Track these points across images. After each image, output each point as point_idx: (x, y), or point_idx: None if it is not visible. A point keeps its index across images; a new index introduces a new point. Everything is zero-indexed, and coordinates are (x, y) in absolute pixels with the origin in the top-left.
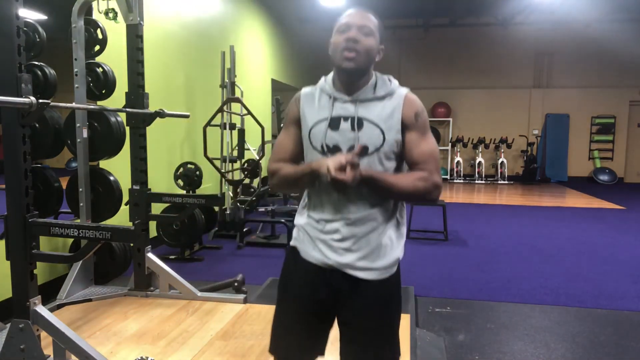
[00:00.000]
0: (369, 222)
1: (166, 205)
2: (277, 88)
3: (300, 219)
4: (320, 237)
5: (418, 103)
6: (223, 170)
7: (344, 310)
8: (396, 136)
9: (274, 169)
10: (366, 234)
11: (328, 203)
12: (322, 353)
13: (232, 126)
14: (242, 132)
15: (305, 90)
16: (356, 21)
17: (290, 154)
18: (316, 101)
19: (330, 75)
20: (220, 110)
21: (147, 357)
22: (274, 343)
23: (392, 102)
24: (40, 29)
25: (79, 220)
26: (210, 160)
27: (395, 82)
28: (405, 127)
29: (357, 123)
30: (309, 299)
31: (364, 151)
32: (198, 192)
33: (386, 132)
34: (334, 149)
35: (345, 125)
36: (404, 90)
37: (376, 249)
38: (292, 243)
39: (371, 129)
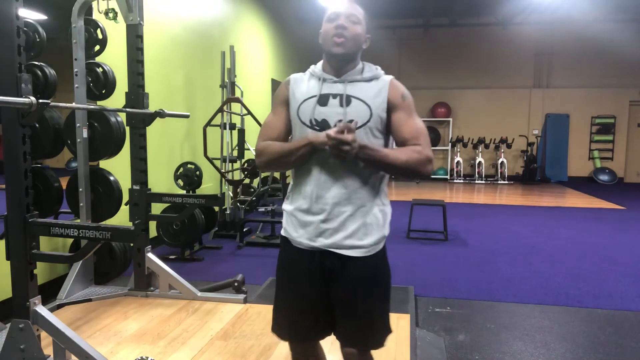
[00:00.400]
0: (354, 202)
1: (166, 205)
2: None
3: (287, 205)
4: (307, 220)
5: (403, 87)
6: (223, 170)
7: (336, 288)
8: (382, 114)
9: (263, 147)
10: (352, 213)
11: (314, 185)
12: (333, 327)
13: (232, 126)
14: (242, 132)
15: (295, 75)
16: (344, 10)
17: (278, 133)
18: (306, 83)
19: (320, 62)
20: (220, 110)
21: (147, 357)
22: (276, 326)
23: (378, 84)
24: (40, 29)
25: (79, 220)
26: (210, 160)
27: (381, 70)
28: (392, 108)
29: (346, 100)
30: (304, 284)
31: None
32: (198, 192)
33: (373, 109)
34: (322, 123)
35: (333, 102)
36: (389, 76)
37: (362, 227)
38: (282, 232)
39: (359, 105)
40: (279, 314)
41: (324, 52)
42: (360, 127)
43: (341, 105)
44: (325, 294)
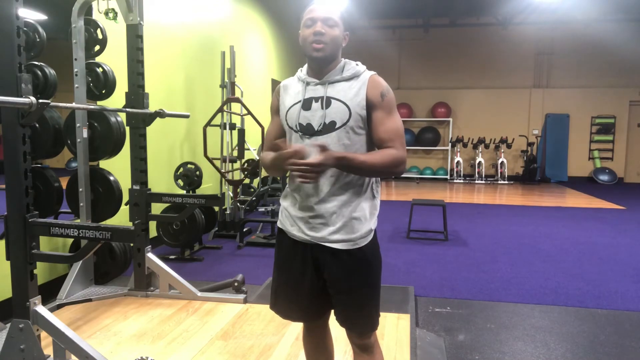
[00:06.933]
0: (340, 199)
1: (166, 205)
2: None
3: (283, 200)
4: (298, 215)
5: (383, 84)
6: (223, 170)
7: (328, 277)
8: (361, 112)
9: (262, 157)
10: (338, 209)
11: (304, 184)
12: (330, 308)
13: (232, 126)
14: (242, 132)
15: (284, 82)
16: (320, 15)
17: (275, 139)
18: (292, 88)
19: (306, 65)
20: (220, 110)
21: (147, 357)
22: (274, 307)
23: (358, 83)
24: (40, 29)
25: (79, 220)
26: (210, 160)
27: (362, 66)
28: (371, 106)
29: (326, 102)
30: (298, 272)
31: (332, 125)
32: (198, 192)
33: (352, 108)
34: (307, 127)
35: (315, 105)
36: (370, 73)
37: (349, 222)
38: (277, 224)
39: (338, 105)
40: (277, 297)
41: (306, 55)
42: (340, 126)
43: (322, 107)
44: (318, 280)
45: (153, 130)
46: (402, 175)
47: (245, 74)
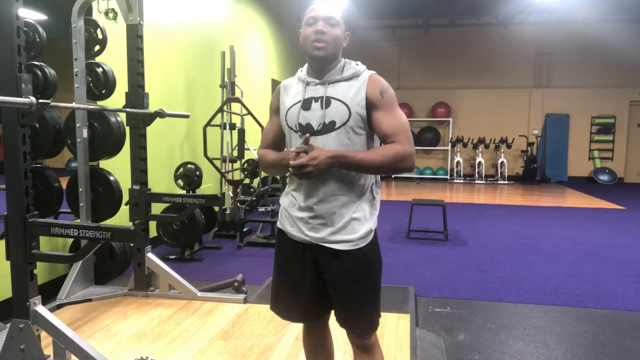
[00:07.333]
0: (340, 199)
1: (166, 205)
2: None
3: (283, 200)
4: (298, 216)
5: (383, 82)
6: (223, 170)
7: (328, 277)
8: (361, 111)
9: (260, 155)
10: (338, 209)
11: (304, 183)
12: (330, 308)
13: (232, 126)
14: (242, 132)
15: (284, 82)
16: (322, 14)
17: (273, 139)
18: (292, 88)
19: (306, 65)
20: (220, 110)
21: (147, 357)
22: (274, 307)
23: (357, 82)
24: (40, 29)
25: (79, 220)
26: (210, 160)
27: (362, 66)
28: (372, 105)
29: (326, 102)
30: (298, 272)
31: (331, 125)
32: (198, 192)
33: (352, 107)
34: (307, 127)
35: (315, 105)
36: (369, 72)
37: (348, 223)
38: (277, 224)
39: (338, 105)
40: (277, 297)
41: (306, 54)
42: (340, 126)
43: (322, 107)
44: (318, 281)
45: (153, 130)
46: (402, 176)
47: (245, 74)
